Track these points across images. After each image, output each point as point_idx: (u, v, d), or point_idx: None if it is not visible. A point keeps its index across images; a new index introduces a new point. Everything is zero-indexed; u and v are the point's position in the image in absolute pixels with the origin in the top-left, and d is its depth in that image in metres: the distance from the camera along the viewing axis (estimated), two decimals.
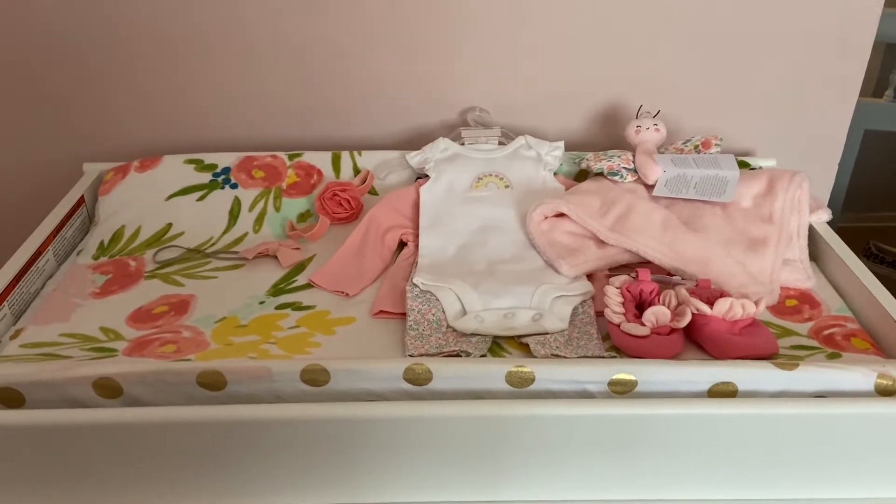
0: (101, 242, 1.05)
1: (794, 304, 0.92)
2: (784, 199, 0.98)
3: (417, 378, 0.74)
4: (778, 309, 0.91)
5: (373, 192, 1.14)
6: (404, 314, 0.88)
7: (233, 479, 0.73)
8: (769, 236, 0.96)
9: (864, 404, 0.71)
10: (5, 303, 0.89)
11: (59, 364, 0.76)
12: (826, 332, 0.86)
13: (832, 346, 0.84)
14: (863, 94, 1.22)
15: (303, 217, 1.11)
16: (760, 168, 1.11)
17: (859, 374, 0.74)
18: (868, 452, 0.73)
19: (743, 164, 1.12)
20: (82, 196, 1.11)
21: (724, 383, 0.74)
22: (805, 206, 0.99)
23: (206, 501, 0.74)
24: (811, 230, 1.01)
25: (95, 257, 1.02)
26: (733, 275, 0.92)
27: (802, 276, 0.95)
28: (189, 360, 0.79)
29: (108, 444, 0.71)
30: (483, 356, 0.82)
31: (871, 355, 0.82)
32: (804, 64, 1.17)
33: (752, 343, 0.81)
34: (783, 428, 0.71)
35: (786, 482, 0.75)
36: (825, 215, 1.02)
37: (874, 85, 1.82)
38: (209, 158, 1.14)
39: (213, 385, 0.74)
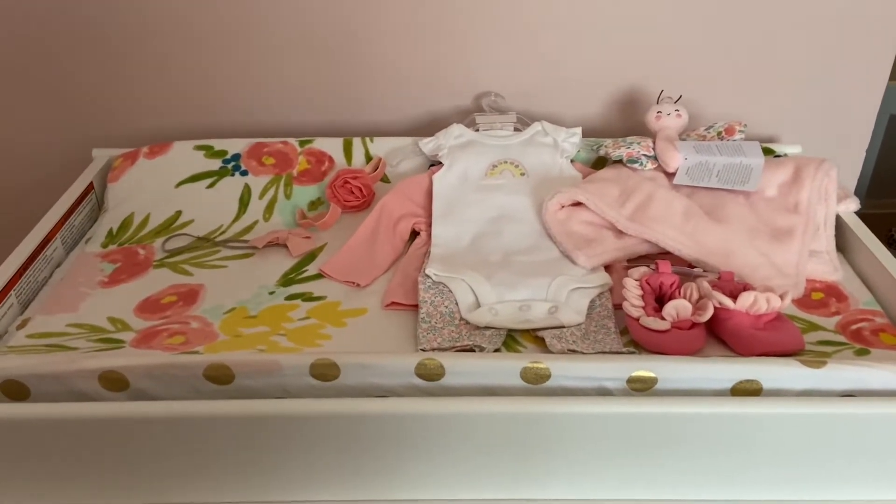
0: (110, 230, 1.03)
1: (821, 297, 0.89)
2: (811, 188, 0.95)
3: (429, 373, 0.72)
4: (804, 302, 0.88)
5: (385, 179, 1.11)
6: (416, 305, 0.86)
7: (240, 474, 0.72)
8: (795, 227, 0.92)
9: (894, 404, 0.68)
10: (12, 292, 0.88)
11: (65, 356, 0.74)
12: (854, 327, 0.83)
13: (860, 341, 0.81)
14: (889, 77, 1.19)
15: (314, 205, 1.08)
16: (786, 155, 1.08)
17: (889, 373, 0.71)
18: None
19: (768, 151, 1.08)
20: (91, 182, 1.09)
21: (747, 381, 0.71)
22: (832, 196, 0.96)
23: (213, 496, 0.73)
24: (838, 220, 0.97)
25: (104, 245, 1.01)
26: (757, 267, 0.89)
27: (829, 269, 0.91)
28: (197, 351, 0.77)
29: (113, 438, 0.70)
30: (497, 350, 0.80)
31: None
32: (832, 47, 1.13)
33: (776, 339, 0.78)
34: (809, 428, 0.69)
35: (812, 483, 0.72)
36: (853, 205, 0.99)
37: None
38: (219, 145, 1.12)
39: (220, 379, 0.72)
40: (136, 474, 0.72)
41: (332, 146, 1.13)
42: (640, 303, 0.82)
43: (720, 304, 0.80)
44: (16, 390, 0.73)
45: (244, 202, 1.07)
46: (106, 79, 1.18)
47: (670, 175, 1.01)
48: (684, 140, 1.04)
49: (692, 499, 0.73)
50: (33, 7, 1.12)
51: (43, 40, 1.15)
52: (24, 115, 1.21)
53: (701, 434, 0.69)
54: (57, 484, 0.72)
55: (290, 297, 0.90)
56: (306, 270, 0.95)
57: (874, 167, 1.65)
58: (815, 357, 0.73)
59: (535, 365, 0.72)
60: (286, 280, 0.93)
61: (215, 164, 1.10)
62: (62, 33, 1.14)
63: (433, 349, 0.78)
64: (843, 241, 0.97)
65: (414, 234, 1.01)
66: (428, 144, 1.09)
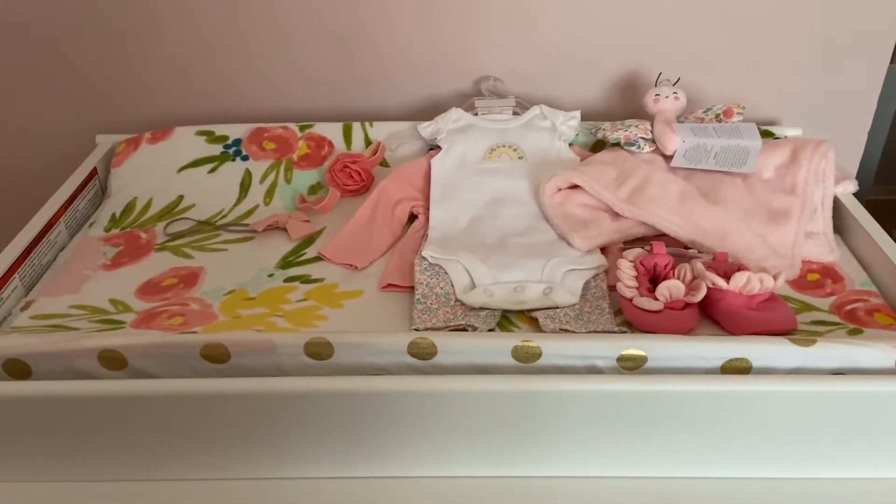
0: (113, 215, 1.05)
1: (817, 278, 0.89)
2: (808, 169, 0.95)
3: (422, 352, 0.73)
4: (799, 283, 0.88)
5: (384, 163, 1.12)
6: (413, 287, 0.86)
7: (235, 451, 0.73)
8: (791, 208, 0.92)
9: (884, 382, 0.68)
10: (16, 274, 0.90)
11: (65, 336, 0.76)
12: (848, 308, 0.83)
13: (854, 321, 0.81)
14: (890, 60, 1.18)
15: (313, 189, 1.09)
16: (785, 138, 1.07)
17: (880, 351, 0.71)
18: (888, 431, 0.70)
19: (766, 134, 1.08)
20: (95, 168, 1.11)
21: (737, 359, 0.71)
22: (830, 177, 0.96)
23: (209, 473, 0.74)
24: (836, 202, 0.97)
25: (107, 229, 1.02)
26: (753, 248, 0.89)
27: (826, 250, 0.91)
28: (195, 332, 0.78)
29: (112, 416, 0.71)
30: (491, 330, 0.80)
31: (895, 331, 0.79)
32: (833, 29, 1.13)
33: (768, 318, 0.78)
34: (799, 406, 0.69)
35: (801, 461, 0.73)
36: (851, 186, 0.98)
37: None
38: (220, 130, 1.13)
39: (216, 357, 0.73)
40: (134, 451, 0.73)
41: (332, 131, 1.13)
42: (634, 283, 0.83)
43: (713, 284, 0.80)
44: (18, 369, 0.74)
45: (245, 187, 1.08)
46: (109, 66, 1.19)
47: (668, 157, 1.01)
48: (682, 123, 1.04)
49: (682, 476, 0.73)
50: None
51: (46, 29, 1.16)
52: (30, 104, 1.23)
53: (691, 412, 0.69)
54: (57, 460, 0.74)
55: (289, 280, 0.91)
56: (305, 253, 0.96)
57: (882, 153, 1.63)
58: (806, 336, 0.74)
59: (526, 343, 0.72)
60: (285, 263, 0.94)
61: (216, 149, 1.11)
62: (65, 21, 1.15)
63: (426, 329, 0.79)
64: (840, 222, 0.97)
65: (412, 217, 1.02)
66: (427, 129, 1.10)
